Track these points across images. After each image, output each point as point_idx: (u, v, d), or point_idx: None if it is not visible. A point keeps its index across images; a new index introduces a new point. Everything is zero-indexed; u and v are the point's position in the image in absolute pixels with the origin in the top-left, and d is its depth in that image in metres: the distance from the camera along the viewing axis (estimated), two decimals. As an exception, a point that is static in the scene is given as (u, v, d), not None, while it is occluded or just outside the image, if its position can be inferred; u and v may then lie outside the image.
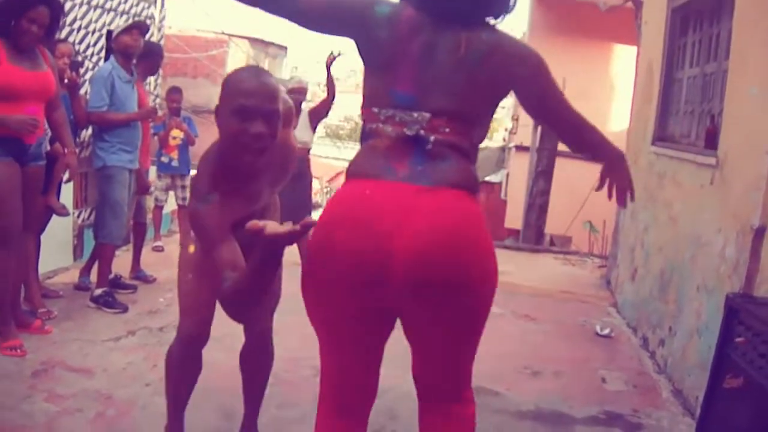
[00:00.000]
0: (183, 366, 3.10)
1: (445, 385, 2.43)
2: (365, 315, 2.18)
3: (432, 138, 2.07)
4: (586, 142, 2.40)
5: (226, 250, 2.38)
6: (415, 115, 2.06)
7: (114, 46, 5.43)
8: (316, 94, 19.03)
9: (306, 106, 6.76)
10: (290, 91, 6.67)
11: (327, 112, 6.95)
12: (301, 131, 6.52)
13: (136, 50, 5.43)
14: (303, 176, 6.51)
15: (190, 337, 3.06)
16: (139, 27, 5.49)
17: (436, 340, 2.30)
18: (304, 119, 6.62)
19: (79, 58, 8.81)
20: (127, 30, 5.42)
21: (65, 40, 7.44)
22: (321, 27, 2.22)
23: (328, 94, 6.78)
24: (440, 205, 2.05)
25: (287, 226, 1.90)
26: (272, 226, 1.93)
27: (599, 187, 2.60)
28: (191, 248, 2.99)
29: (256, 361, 3.31)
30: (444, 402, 2.43)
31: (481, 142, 2.24)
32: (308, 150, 6.75)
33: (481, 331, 2.39)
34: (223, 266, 2.34)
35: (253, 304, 2.43)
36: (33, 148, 4.25)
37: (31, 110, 4.15)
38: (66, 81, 5.02)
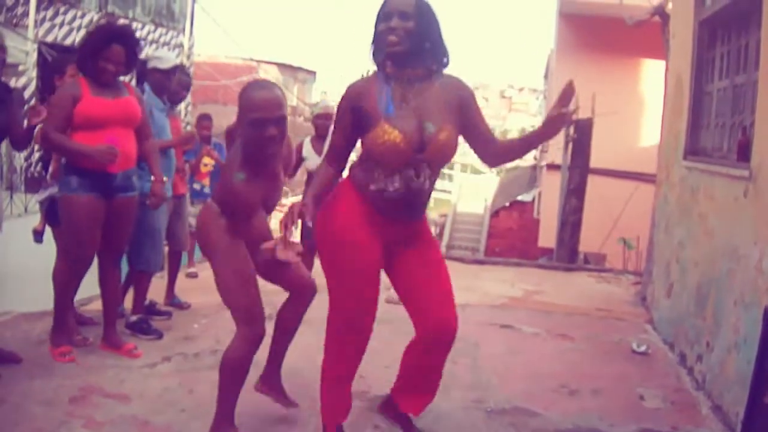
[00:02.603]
0: (245, 366, 3.45)
1: None
2: None
3: None
4: None
5: (256, 223, 3.36)
6: None
7: (150, 78, 5.48)
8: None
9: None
10: (317, 117, 6.61)
11: None
12: None
13: (170, 88, 5.59)
14: None
15: (257, 336, 3.42)
16: (179, 68, 5.72)
17: None
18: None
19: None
20: (166, 72, 5.52)
21: None
22: None
23: None
24: None
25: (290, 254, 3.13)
26: (281, 251, 3.11)
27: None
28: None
29: (296, 308, 3.71)
30: None
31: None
32: None
33: None
34: (256, 236, 3.31)
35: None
36: (120, 180, 4.56)
37: (110, 137, 4.45)
38: None
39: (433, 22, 3.16)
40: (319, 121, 6.63)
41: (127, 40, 4.56)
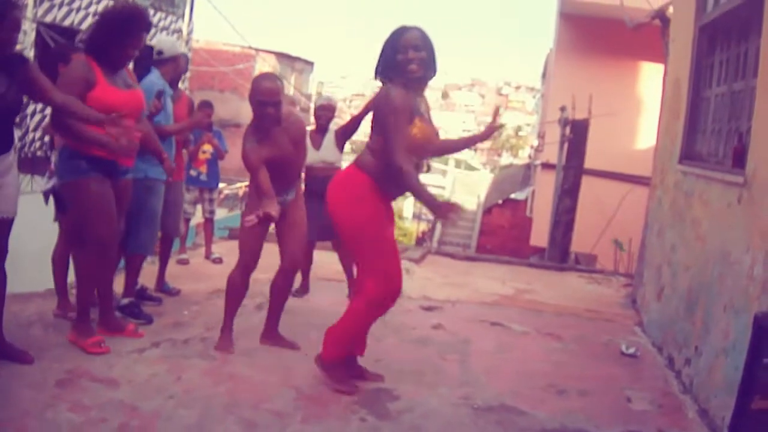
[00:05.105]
0: (241, 288, 4.85)
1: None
2: None
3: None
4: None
5: (261, 176, 4.46)
6: None
7: (172, 64, 5.54)
8: (342, 110, 19.04)
9: (333, 126, 6.57)
10: (319, 108, 6.46)
11: (354, 130, 6.41)
12: (327, 151, 6.40)
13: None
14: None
15: (247, 267, 4.81)
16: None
17: None
18: (330, 139, 6.42)
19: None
20: (184, 56, 5.63)
21: None
22: None
23: (360, 114, 6.12)
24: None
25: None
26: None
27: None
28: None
29: (281, 276, 4.94)
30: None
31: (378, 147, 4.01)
32: (336, 169, 6.40)
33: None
34: (260, 188, 4.44)
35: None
36: (123, 165, 4.59)
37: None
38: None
39: (432, 47, 4.04)
40: (321, 112, 6.49)
41: (150, 28, 4.61)
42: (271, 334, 4.99)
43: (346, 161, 5.89)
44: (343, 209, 4.09)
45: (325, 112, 6.45)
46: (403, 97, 3.95)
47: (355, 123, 6.25)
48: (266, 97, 4.50)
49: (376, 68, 4.10)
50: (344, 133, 6.35)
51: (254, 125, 4.64)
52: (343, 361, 4.23)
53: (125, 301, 5.26)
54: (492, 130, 4.40)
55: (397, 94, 3.95)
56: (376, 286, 4.04)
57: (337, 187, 4.15)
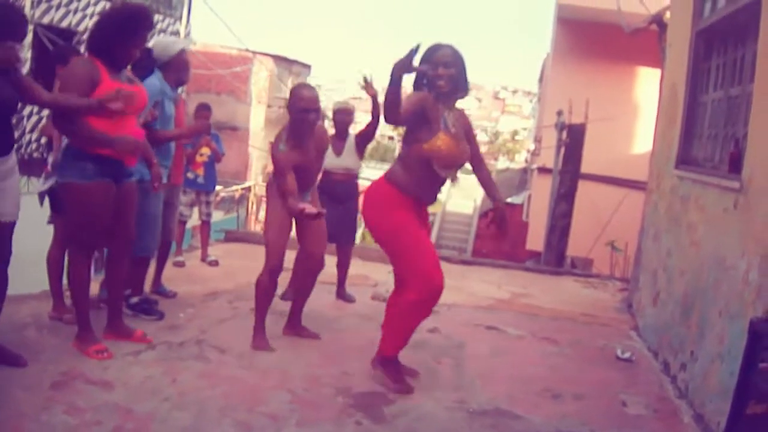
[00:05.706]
0: (270, 289, 5.02)
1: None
2: None
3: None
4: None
5: (289, 179, 4.76)
6: None
7: (173, 62, 5.46)
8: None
9: (353, 131, 6.54)
10: (337, 113, 6.36)
11: (373, 135, 6.48)
12: (347, 157, 6.38)
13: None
14: (350, 199, 6.43)
15: (275, 269, 4.97)
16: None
17: None
18: (351, 144, 6.39)
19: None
20: (184, 52, 5.58)
21: None
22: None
23: (372, 116, 6.18)
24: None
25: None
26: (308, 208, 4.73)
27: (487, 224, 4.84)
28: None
29: (305, 275, 5.28)
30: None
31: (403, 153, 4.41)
32: (355, 175, 6.55)
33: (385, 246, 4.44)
34: (287, 190, 4.74)
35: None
36: (128, 166, 4.52)
37: (127, 127, 4.38)
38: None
39: (463, 65, 4.34)
40: (340, 116, 6.45)
41: (152, 27, 4.60)
42: (293, 324, 5.32)
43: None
44: (377, 220, 4.39)
45: (344, 116, 6.38)
46: (421, 96, 4.23)
47: (372, 128, 6.31)
48: (309, 105, 4.85)
49: (413, 82, 4.38)
50: (364, 137, 6.32)
51: (290, 131, 4.93)
52: (396, 360, 4.43)
53: (135, 299, 5.34)
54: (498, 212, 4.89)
55: (419, 93, 4.26)
56: (417, 289, 4.23)
57: (370, 199, 4.44)
